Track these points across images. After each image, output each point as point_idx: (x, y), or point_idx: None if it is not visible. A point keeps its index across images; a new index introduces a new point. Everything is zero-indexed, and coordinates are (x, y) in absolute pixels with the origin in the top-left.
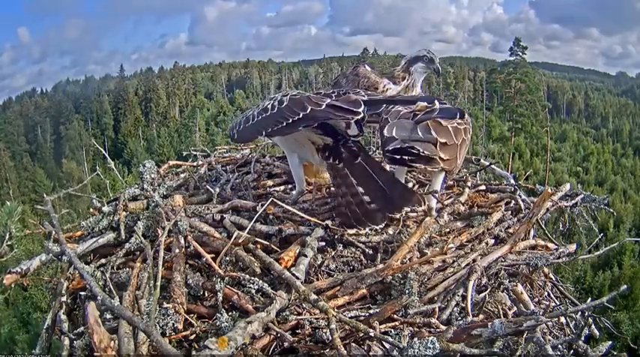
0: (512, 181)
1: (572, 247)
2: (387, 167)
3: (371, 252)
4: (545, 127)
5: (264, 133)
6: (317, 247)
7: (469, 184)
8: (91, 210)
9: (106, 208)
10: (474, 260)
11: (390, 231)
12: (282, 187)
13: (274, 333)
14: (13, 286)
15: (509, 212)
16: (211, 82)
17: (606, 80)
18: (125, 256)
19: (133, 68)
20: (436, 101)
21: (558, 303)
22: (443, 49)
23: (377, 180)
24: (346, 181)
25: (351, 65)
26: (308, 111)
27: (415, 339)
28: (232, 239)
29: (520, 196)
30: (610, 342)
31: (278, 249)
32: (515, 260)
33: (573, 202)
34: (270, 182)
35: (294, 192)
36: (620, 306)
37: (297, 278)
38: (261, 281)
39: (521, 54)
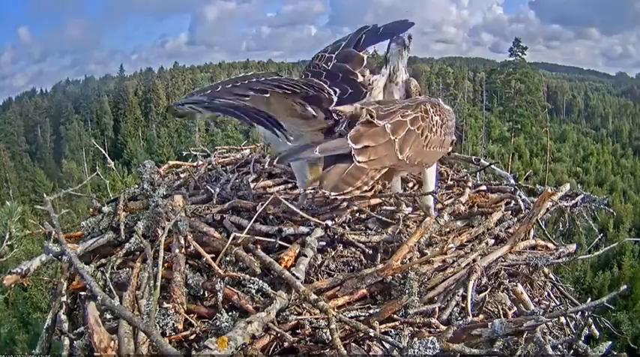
0: (512, 181)
1: (572, 247)
2: None
3: (371, 252)
4: (545, 127)
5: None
6: (317, 247)
7: (470, 184)
8: (91, 210)
9: (106, 208)
10: (474, 260)
11: (390, 231)
12: (282, 187)
13: (274, 333)
14: (13, 286)
15: (510, 212)
16: (211, 82)
17: (606, 80)
18: (125, 256)
19: (133, 68)
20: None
21: (558, 303)
22: (443, 49)
23: None
24: None
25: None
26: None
27: (415, 339)
28: (231, 239)
29: (520, 196)
30: (610, 342)
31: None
32: (515, 260)
33: (573, 202)
34: (270, 182)
35: (299, 195)
36: (620, 306)
37: (297, 278)
38: (261, 281)
39: (521, 54)
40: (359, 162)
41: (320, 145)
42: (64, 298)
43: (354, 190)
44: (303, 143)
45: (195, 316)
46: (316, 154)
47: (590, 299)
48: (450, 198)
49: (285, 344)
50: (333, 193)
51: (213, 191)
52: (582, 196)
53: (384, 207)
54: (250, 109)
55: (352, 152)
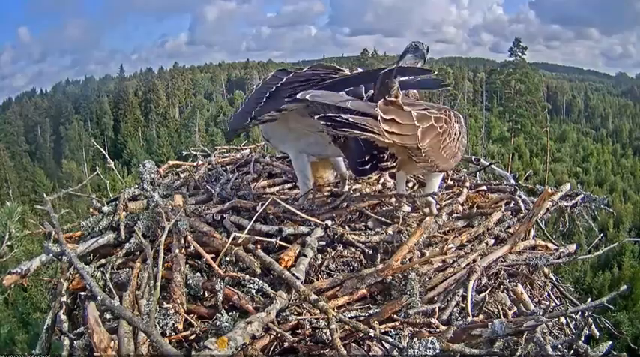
0: (512, 181)
1: (572, 247)
2: None
3: (371, 252)
4: (545, 127)
5: (252, 114)
6: (317, 247)
7: (467, 184)
8: (91, 210)
9: (106, 208)
10: (474, 260)
11: (390, 231)
12: (282, 187)
13: (274, 333)
14: (13, 286)
15: (509, 212)
16: (211, 82)
17: (606, 81)
18: (125, 256)
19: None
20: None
21: (558, 303)
22: (443, 49)
23: None
24: None
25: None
26: (291, 74)
27: (415, 339)
28: (231, 239)
29: (520, 197)
30: (610, 342)
31: (283, 243)
32: (515, 260)
33: (573, 202)
34: (270, 182)
35: (299, 197)
36: (620, 306)
37: (297, 278)
38: (261, 281)
39: (520, 54)
40: (386, 131)
41: (352, 100)
42: (64, 298)
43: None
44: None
45: (195, 316)
46: (347, 104)
47: (590, 299)
48: (449, 198)
49: (285, 344)
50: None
51: (213, 191)
52: (582, 196)
53: (384, 207)
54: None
55: (379, 119)
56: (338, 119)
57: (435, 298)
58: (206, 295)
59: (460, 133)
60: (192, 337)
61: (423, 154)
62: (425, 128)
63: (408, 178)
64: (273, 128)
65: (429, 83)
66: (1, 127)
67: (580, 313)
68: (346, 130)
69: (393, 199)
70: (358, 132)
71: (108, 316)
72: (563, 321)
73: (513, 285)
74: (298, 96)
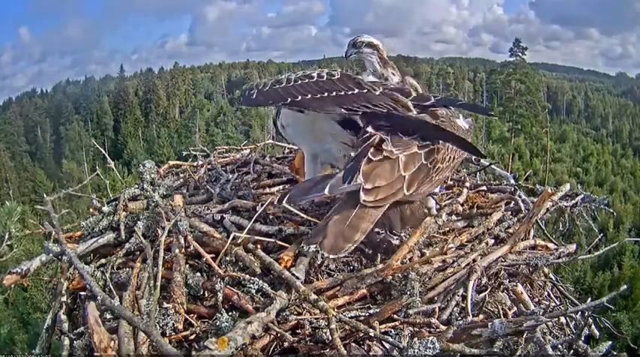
0: (513, 181)
1: (572, 248)
2: None
3: (371, 252)
4: (545, 127)
5: (294, 99)
6: None
7: (467, 184)
8: (91, 210)
9: (106, 208)
10: (474, 260)
11: None
12: (281, 187)
13: (274, 333)
14: (13, 286)
15: (509, 212)
16: (211, 82)
17: (606, 81)
18: (125, 256)
19: (133, 68)
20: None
21: (558, 303)
22: (443, 49)
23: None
24: None
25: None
26: (365, 90)
27: (415, 339)
28: (231, 239)
29: (520, 197)
30: (610, 342)
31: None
32: (515, 260)
33: (573, 202)
34: (270, 182)
35: None
36: (620, 306)
37: (297, 278)
38: (261, 281)
39: (521, 55)
40: (365, 201)
41: (330, 183)
42: (64, 298)
43: (351, 247)
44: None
45: (195, 316)
46: (325, 193)
47: (590, 299)
48: (449, 198)
49: (285, 344)
50: (331, 255)
51: (213, 191)
52: (582, 196)
53: None
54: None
55: (360, 192)
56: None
57: (435, 298)
58: (206, 295)
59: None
60: (192, 337)
61: (414, 195)
62: (413, 173)
63: None
64: (295, 118)
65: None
66: (1, 127)
67: (580, 313)
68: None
69: None
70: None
71: (108, 316)
72: (563, 321)
73: (513, 285)
74: (275, 202)
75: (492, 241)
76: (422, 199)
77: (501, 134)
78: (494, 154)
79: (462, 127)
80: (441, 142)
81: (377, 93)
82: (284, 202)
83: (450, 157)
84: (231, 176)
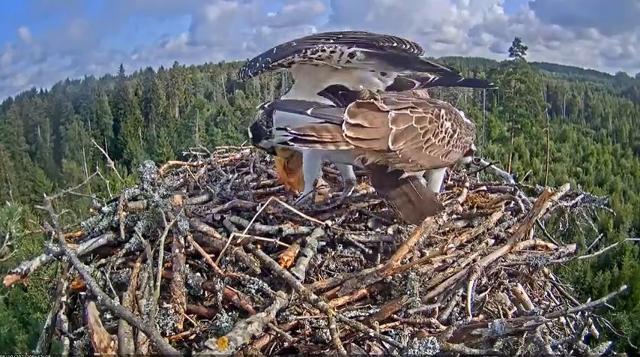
0: (512, 181)
1: (572, 247)
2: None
3: (371, 252)
4: (545, 127)
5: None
6: (317, 247)
7: (467, 184)
8: (91, 210)
9: (105, 208)
10: (474, 260)
11: (390, 231)
12: (282, 187)
13: (274, 333)
14: (13, 286)
15: (510, 212)
16: (211, 82)
17: (606, 81)
18: (125, 256)
19: (133, 68)
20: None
21: (558, 303)
22: (443, 49)
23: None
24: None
25: None
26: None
27: (415, 339)
28: (231, 239)
29: (520, 197)
30: (610, 342)
31: (283, 243)
32: (515, 260)
33: (573, 202)
34: (270, 182)
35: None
36: (620, 306)
37: (297, 278)
38: (261, 281)
39: (521, 54)
40: (347, 136)
41: (314, 107)
42: (64, 298)
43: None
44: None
45: (195, 316)
46: (308, 114)
47: (590, 299)
48: (449, 198)
49: (285, 344)
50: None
51: (213, 191)
52: (582, 196)
53: (384, 207)
54: None
55: (342, 125)
56: (288, 134)
57: (435, 298)
58: (206, 295)
59: (455, 131)
60: (192, 337)
61: (400, 156)
62: (400, 130)
63: None
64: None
65: (475, 83)
66: (1, 127)
67: (580, 313)
68: (301, 145)
69: None
70: (316, 145)
71: (108, 316)
72: (563, 321)
73: (513, 285)
74: (257, 107)
75: (492, 241)
76: (425, 184)
77: (501, 134)
78: (494, 153)
79: (462, 117)
80: (434, 115)
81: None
82: (267, 105)
83: (443, 136)
84: (231, 176)
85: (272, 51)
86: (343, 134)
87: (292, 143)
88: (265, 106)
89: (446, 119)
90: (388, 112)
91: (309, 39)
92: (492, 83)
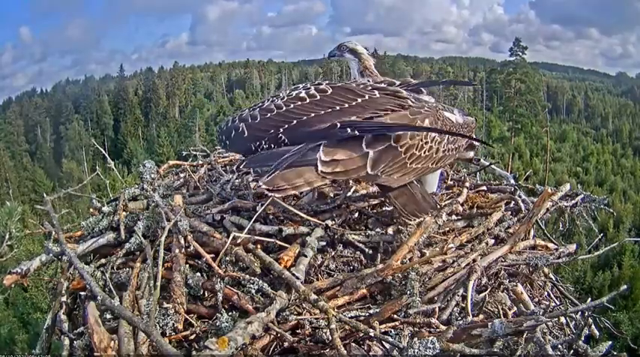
0: (512, 181)
1: (572, 247)
2: None
3: (371, 252)
4: (545, 127)
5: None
6: (317, 247)
7: (467, 184)
8: (91, 210)
9: (106, 208)
10: (474, 260)
11: (390, 231)
12: None
13: (274, 333)
14: (13, 286)
15: (510, 212)
16: (211, 82)
17: (606, 80)
18: (125, 256)
19: (133, 68)
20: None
21: (558, 303)
22: (443, 49)
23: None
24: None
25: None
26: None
27: (415, 339)
28: (231, 239)
29: (520, 196)
30: (610, 342)
31: (283, 243)
32: (515, 260)
33: (573, 202)
34: None
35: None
36: (620, 306)
37: (297, 278)
38: (261, 281)
39: (521, 54)
40: (322, 172)
41: (291, 154)
42: (64, 298)
43: (289, 190)
44: None
45: (195, 316)
46: (287, 160)
47: (590, 299)
48: (449, 198)
49: (285, 344)
50: (270, 192)
51: (213, 191)
52: (582, 196)
53: (384, 207)
54: None
55: (317, 162)
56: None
57: (435, 298)
58: (206, 295)
59: (443, 139)
60: (192, 337)
61: (382, 176)
62: (378, 152)
63: None
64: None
65: (461, 83)
66: (1, 126)
67: (580, 313)
68: (277, 195)
69: None
70: (289, 191)
71: (108, 316)
72: (563, 321)
73: (513, 285)
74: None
75: (492, 241)
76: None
77: (501, 134)
78: (494, 153)
79: (451, 120)
80: (397, 139)
81: (377, 95)
82: (242, 166)
83: (431, 146)
84: (231, 176)
85: None
86: (318, 172)
87: (269, 194)
88: (240, 167)
89: (437, 125)
90: (363, 136)
91: None
92: (475, 82)
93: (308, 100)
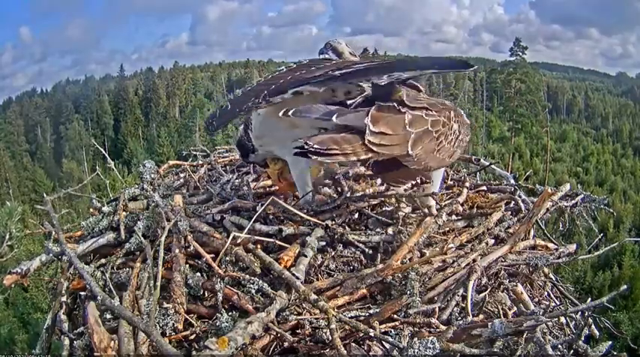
0: (513, 181)
1: (572, 247)
2: None
3: (371, 252)
4: (545, 127)
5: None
6: (317, 247)
7: (467, 184)
8: (91, 210)
9: (106, 208)
10: (474, 260)
11: (390, 231)
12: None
13: (274, 333)
14: (13, 286)
15: (509, 212)
16: (211, 82)
17: (606, 80)
18: (125, 256)
19: (133, 68)
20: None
21: (558, 303)
22: (443, 49)
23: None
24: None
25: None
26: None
27: (415, 339)
28: (231, 239)
29: (520, 196)
30: (610, 342)
31: (283, 243)
32: (515, 260)
33: (573, 202)
34: (270, 182)
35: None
36: (620, 306)
37: (297, 278)
38: (261, 281)
39: (521, 54)
40: (370, 144)
41: (339, 113)
42: (64, 298)
43: (339, 156)
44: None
45: (195, 316)
46: (333, 120)
47: (590, 299)
48: (449, 198)
49: (285, 344)
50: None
51: (213, 191)
52: (582, 196)
53: (384, 207)
54: None
55: (366, 131)
56: (311, 149)
57: (435, 298)
58: (206, 295)
59: (459, 133)
60: (192, 337)
61: (415, 159)
62: (418, 134)
63: None
64: (271, 127)
65: (453, 65)
66: (1, 126)
67: (580, 313)
68: (322, 158)
69: (393, 199)
70: (339, 158)
71: (108, 316)
72: (563, 321)
73: (513, 285)
74: (280, 114)
75: (492, 241)
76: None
77: (501, 134)
78: (495, 153)
79: (465, 120)
80: (446, 118)
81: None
82: (290, 113)
83: (451, 138)
84: (231, 176)
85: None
86: (366, 143)
87: (313, 156)
88: (289, 113)
89: (454, 121)
90: (406, 113)
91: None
92: (472, 64)
93: (295, 67)
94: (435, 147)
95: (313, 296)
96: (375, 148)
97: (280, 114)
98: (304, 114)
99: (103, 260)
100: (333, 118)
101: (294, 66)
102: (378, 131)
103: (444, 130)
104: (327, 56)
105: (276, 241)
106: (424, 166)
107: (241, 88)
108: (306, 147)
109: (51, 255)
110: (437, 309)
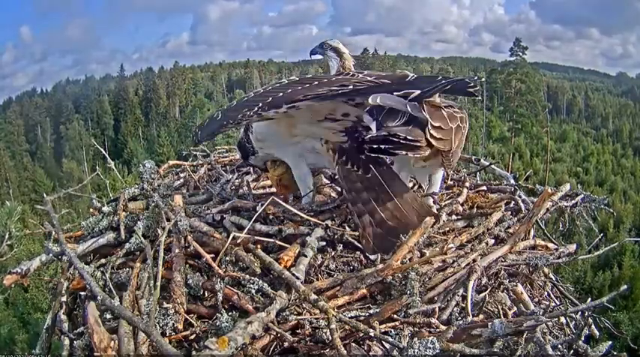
0: (513, 181)
1: (572, 247)
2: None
3: None
4: (546, 127)
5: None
6: (317, 247)
7: (467, 184)
8: (91, 210)
9: (106, 208)
10: (474, 260)
11: None
12: None
13: (274, 333)
14: (13, 286)
15: (510, 212)
16: (211, 82)
17: (606, 81)
18: (125, 256)
19: (133, 68)
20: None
21: (558, 303)
22: (443, 49)
23: (393, 197)
24: (361, 195)
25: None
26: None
27: (415, 339)
28: (231, 239)
29: (520, 197)
30: (610, 342)
31: (283, 243)
32: (515, 260)
33: (573, 202)
34: (270, 182)
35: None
36: (620, 306)
37: (297, 278)
38: (261, 281)
39: (521, 54)
40: (432, 135)
41: (384, 94)
42: (64, 298)
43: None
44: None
45: (195, 316)
46: (377, 101)
47: (590, 299)
48: (449, 198)
49: (285, 344)
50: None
51: (213, 191)
52: (582, 196)
53: None
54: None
55: (428, 126)
56: (394, 140)
57: (435, 298)
58: (206, 295)
59: (466, 134)
60: (192, 337)
61: (451, 155)
62: (455, 129)
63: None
64: (272, 130)
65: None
66: (1, 126)
67: (580, 313)
68: (409, 152)
69: None
70: (420, 152)
71: (108, 316)
72: (563, 321)
73: (513, 285)
74: (370, 100)
75: (492, 241)
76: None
77: (501, 134)
78: (495, 153)
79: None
80: (465, 116)
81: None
82: (378, 99)
83: (466, 135)
84: (231, 176)
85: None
86: (427, 137)
87: (397, 151)
88: (377, 99)
89: (467, 121)
90: (441, 110)
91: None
92: (479, 77)
93: (298, 80)
94: (460, 143)
95: (313, 296)
96: (434, 143)
97: (370, 100)
98: (386, 101)
99: (103, 260)
100: (377, 100)
101: (297, 79)
102: (437, 125)
103: (464, 128)
104: (321, 57)
105: (276, 241)
106: (452, 164)
107: (234, 101)
108: (391, 138)
109: (51, 255)
110: (437, 309)
